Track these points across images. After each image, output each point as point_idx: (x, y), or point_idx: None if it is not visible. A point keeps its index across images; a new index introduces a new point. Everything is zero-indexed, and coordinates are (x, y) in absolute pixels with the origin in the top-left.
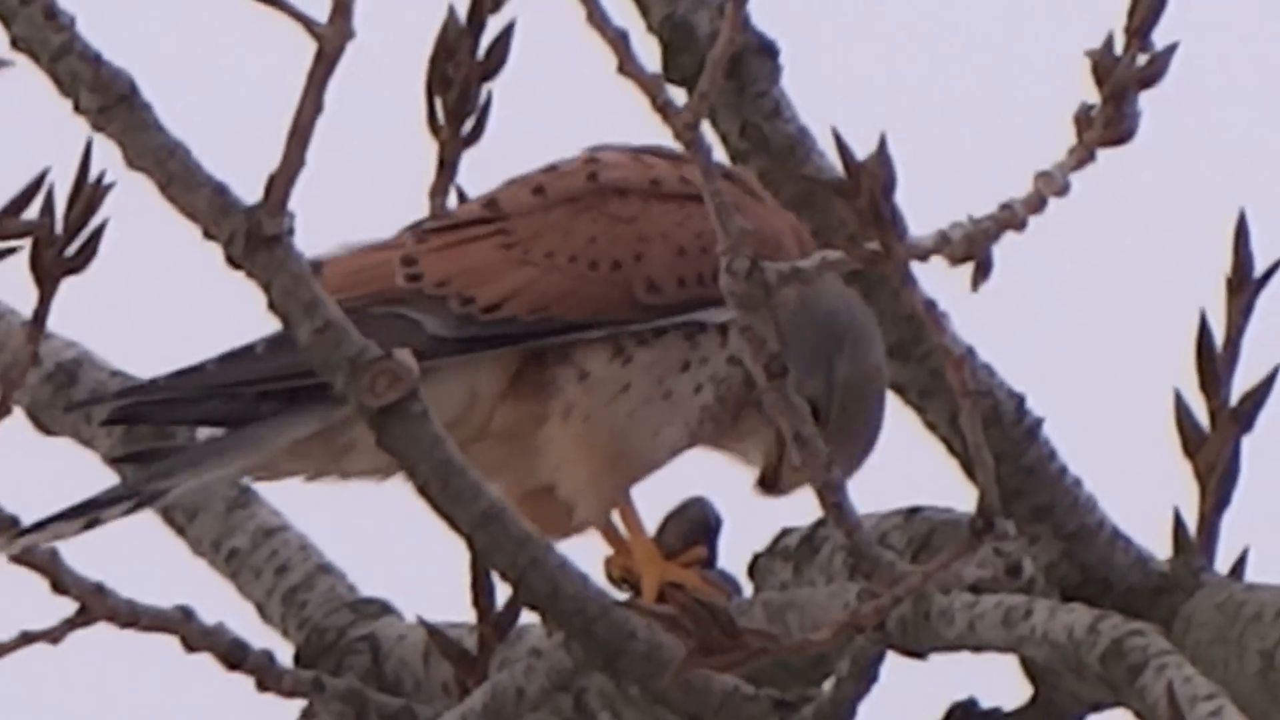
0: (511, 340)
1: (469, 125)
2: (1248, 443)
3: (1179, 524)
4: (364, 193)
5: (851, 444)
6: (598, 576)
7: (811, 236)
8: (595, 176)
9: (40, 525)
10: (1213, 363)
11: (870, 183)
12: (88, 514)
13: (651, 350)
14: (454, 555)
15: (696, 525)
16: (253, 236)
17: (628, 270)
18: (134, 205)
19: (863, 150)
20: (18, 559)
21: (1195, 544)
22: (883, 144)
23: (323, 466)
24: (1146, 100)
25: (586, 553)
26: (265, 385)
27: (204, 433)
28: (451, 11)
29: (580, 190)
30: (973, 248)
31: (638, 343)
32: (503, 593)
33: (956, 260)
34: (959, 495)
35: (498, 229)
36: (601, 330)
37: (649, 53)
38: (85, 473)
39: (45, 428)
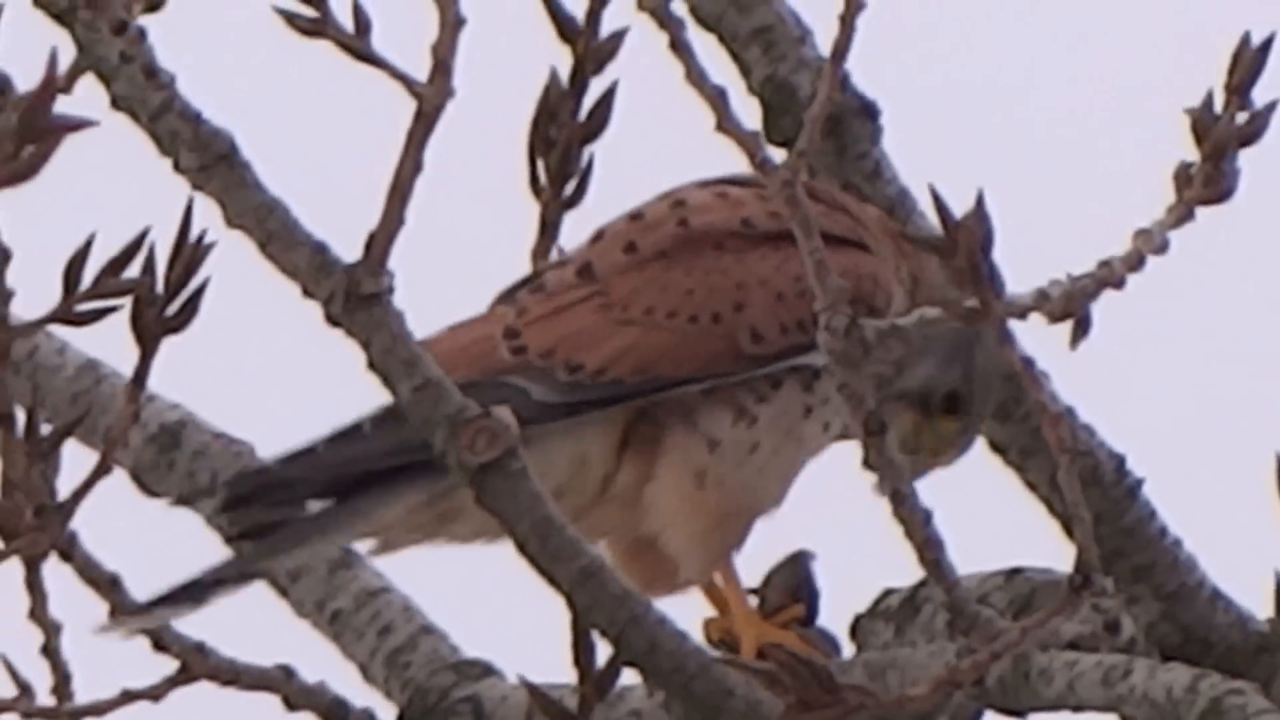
0: (618, 400)
1: (571, 187)
2: None
3: None
4: (465, 253)
5: (977, 430)
6: (696, 634)
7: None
8: (685, 223)
9: (147, 608)
10: None
11: (968, 240)
12: (195, 596)
13: (773, 405)
14: (555, 615)
15: (798, 581)
16: (352, 295)
17: (729, 322)
18: (234, 264)
19: (961, 209)
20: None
21: None
22: (980, 201)
23: (428, 534)
24: (1246, 159)
25: (684, 612)
26: (375, 463)
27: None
28: (554, 73)
29: (671, 241)
30: (1071, 305)
31: (757, 400)
32: (604, 652)
33: (1055, 318)
34: (1060, 556)
35: (594, 291)
36: (707, 384)
37: (750, 114)
38: (188, 534)
39: (148, 489)
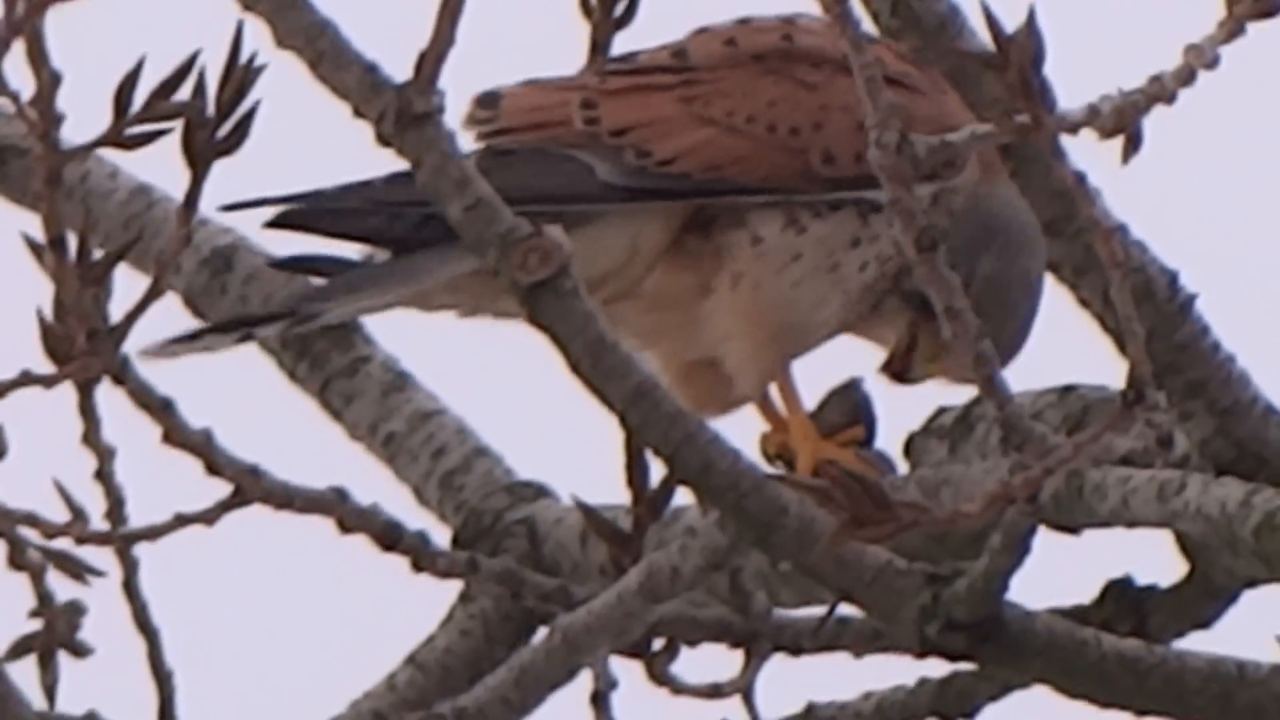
0: (680, 195)
1: (621, 6)
2: None
3: None
4: (516, 75)
5: (981, 334)
6: (751, 453)
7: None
8: (789, 38)
9: (194, 336)
10: None
11: (1019, 55)
12: (242, 329)
13: (826, 223)
14: (609, 437)
15: (855, 405)
16: (403, 114)
17: (805, 138)
18: (285, 87)
19: (1012, 24)
20: (171, 441)
21: None
22: (1031, 16)
23: (477, 304)
24: None
25: (741, 431)
26: (431, 208)
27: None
28: None
29: (771, 49)
30: (1122, 121)
31: (813, 214)
32: (657, 473)
33: (1106, 134)
34: (1113, 373)
35: (682, 79)
36: (772, 196)
37: None
38: (239, 359)
39: (201, 313)
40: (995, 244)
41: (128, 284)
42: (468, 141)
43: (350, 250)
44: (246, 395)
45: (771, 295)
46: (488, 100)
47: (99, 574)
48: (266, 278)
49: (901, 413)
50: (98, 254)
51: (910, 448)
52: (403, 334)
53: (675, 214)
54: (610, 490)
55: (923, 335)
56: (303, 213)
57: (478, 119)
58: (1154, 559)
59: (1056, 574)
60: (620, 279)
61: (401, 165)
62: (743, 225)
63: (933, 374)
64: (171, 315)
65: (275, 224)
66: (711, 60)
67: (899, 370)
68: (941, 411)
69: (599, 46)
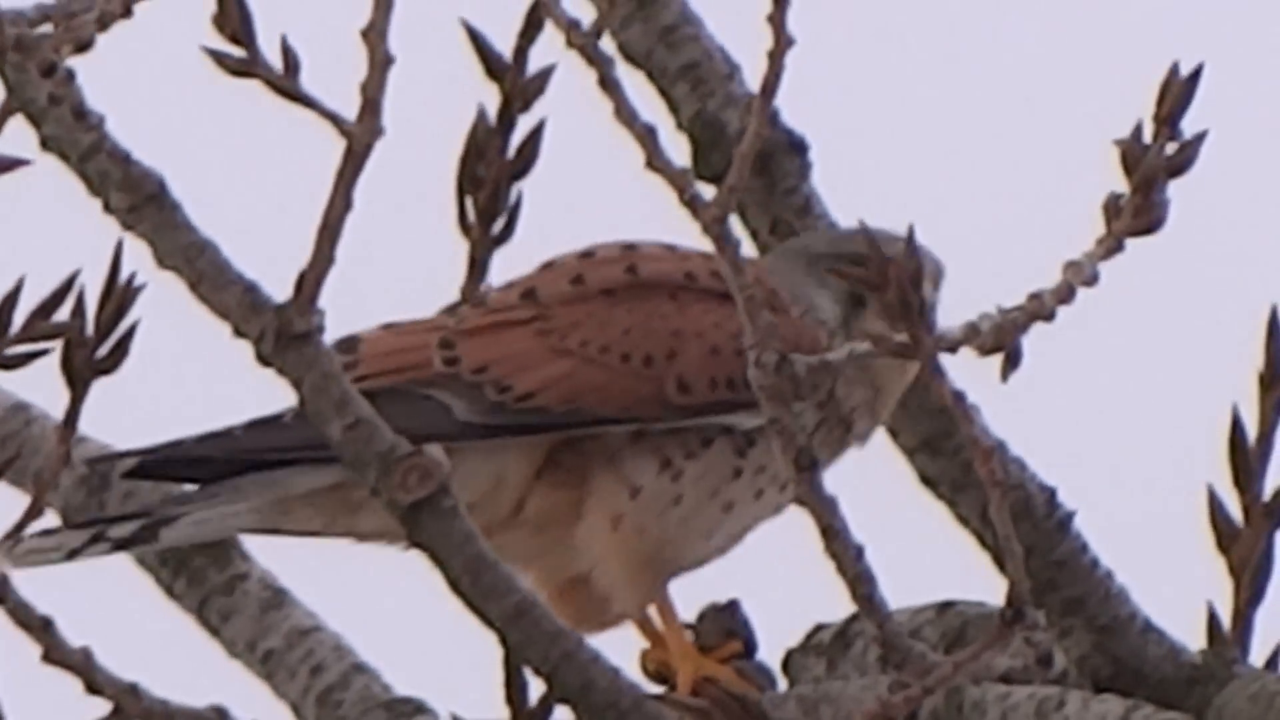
0: (539, 429)
1: (500, 224)
2: None
3: (1213, 618)
4: (394, 290)
5: None
6: (631, 670)
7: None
8: (634, 269)
9: (47, 534)
10: (1246, 458)
11: (899, 275)
12: (96, 527)
13: (700, 462)
14: (488, 652)
15: (733, 620)
16: (283, 334)
17: (659, 367)
18: (165, 305)
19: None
20: (51, 659)
21: (1230, 638)
22: (910, 236)
23: (334, 520)
24: (1176, 189)
25: (620, 646)
26: (293, 454)
27: None
28: (481, 111)
29: (618, 282)
30: (1002, 338)
31: (685, 455)
32: (536, 689)
33: (986, 351)
34: (992, 590)
35: (536, 315)
36: (630, 426)
37: (679, 150)
38: (118, 573)
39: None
40: None
41: (5, 501)
42: None
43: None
44: (124, 612)
45: (656, 536)
46: (347, 345)
47: None
48: (144, 493)
49: (779, 629)
50: None
51: (789, 664)
52: (280, 551)
53: (537, 445)
54: (489, 707)
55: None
56: (162, 463)
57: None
58: None
59: None
60: (489, 509)
61: (261, 412)
62: (619, 476)
63: None
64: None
65: (134, 474)
66: (561, 298)
67: None
68: (820, 628)
69: (477, 263)
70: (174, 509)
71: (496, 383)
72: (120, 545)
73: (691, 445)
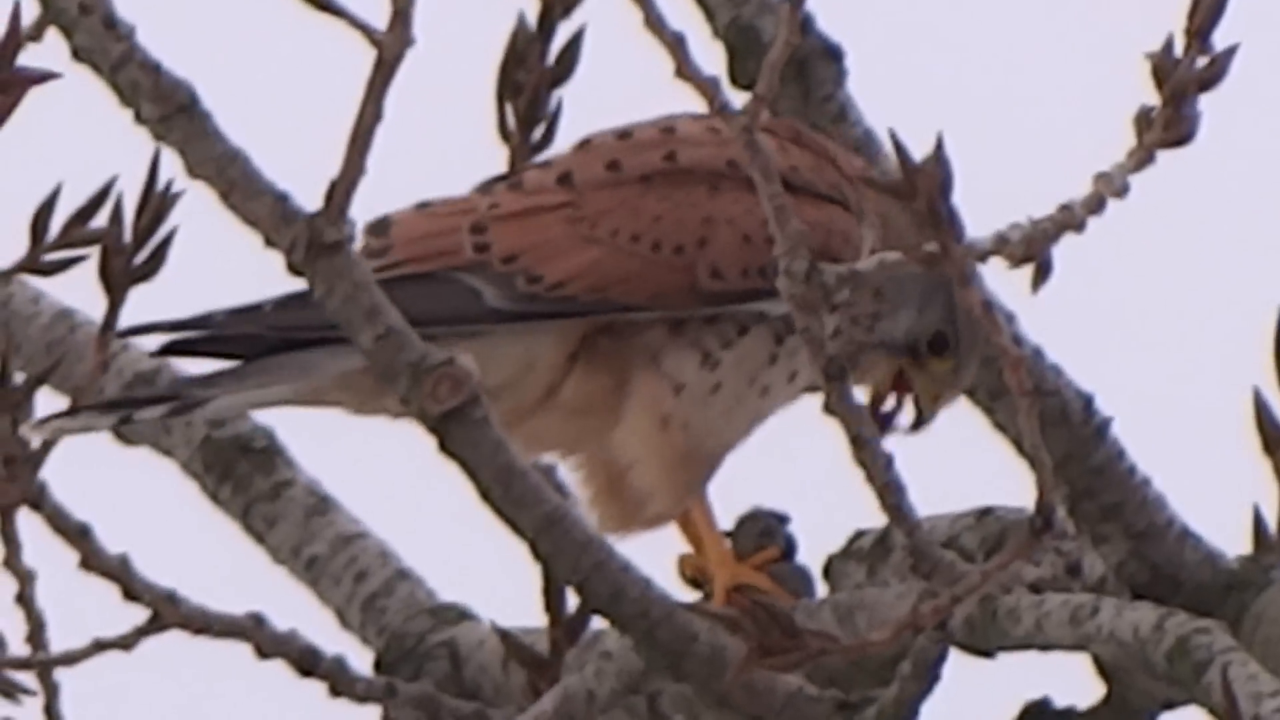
0: (569, 315)
1: (539, 132)
2: None
3: (1259, 521)
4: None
5: (972, 365)
6: (662, 579)
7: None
8: (673, 156)
9: (73, 412)
10: None
11: (927, 184)
12: (124, 409)
13: (736, 350)
14: (529, 561)
15: (769, 526)
16: (314, 244)
17: (690, 255)
18: (202, 213)
19: (923, 152)
20: (88, 566)
21: (1276, 541)
22: (939, 145)
23: (367, 402)
24: (1206, 102)
25: (655, 553)
26: (319, 332)
27: None
28: (521, 18)
29: (654, 169)
30: (1032, 249)
31: (722, 345)
32: (575, 599)
33: (1016, 261)
34: (1031, 495)
35: (568, 201)
36: (661, 314)
37: (715, 58)
38: (163, 479)
39: (124, 438)
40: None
41: (53, 408)
42: None
43: None
44: (170, 519)
45: (701, 430)
46: (379, 227)
47: (30, 693)
48: (175, 378)
49: (822, 535)
50: (19, 379)
51: (829, 570)
52: (326, 458)
53: (570, 329)
54: (531, 613)
55: (917, 378)
56: (194, 338)
57: (371, 249)
58: (1073, 681)
59: (976, 697)
60: (517, 392)
61: (293, 287)
62: (661, 374)
63: (940, 408)
64: (91, 442)
65: (166, 350)
66: (596, 183)
67: (885, 416)
68: (860, 534)
69: (518, 170)
70: (202, 391)
71: (527, 272)
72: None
73: (729, 334)
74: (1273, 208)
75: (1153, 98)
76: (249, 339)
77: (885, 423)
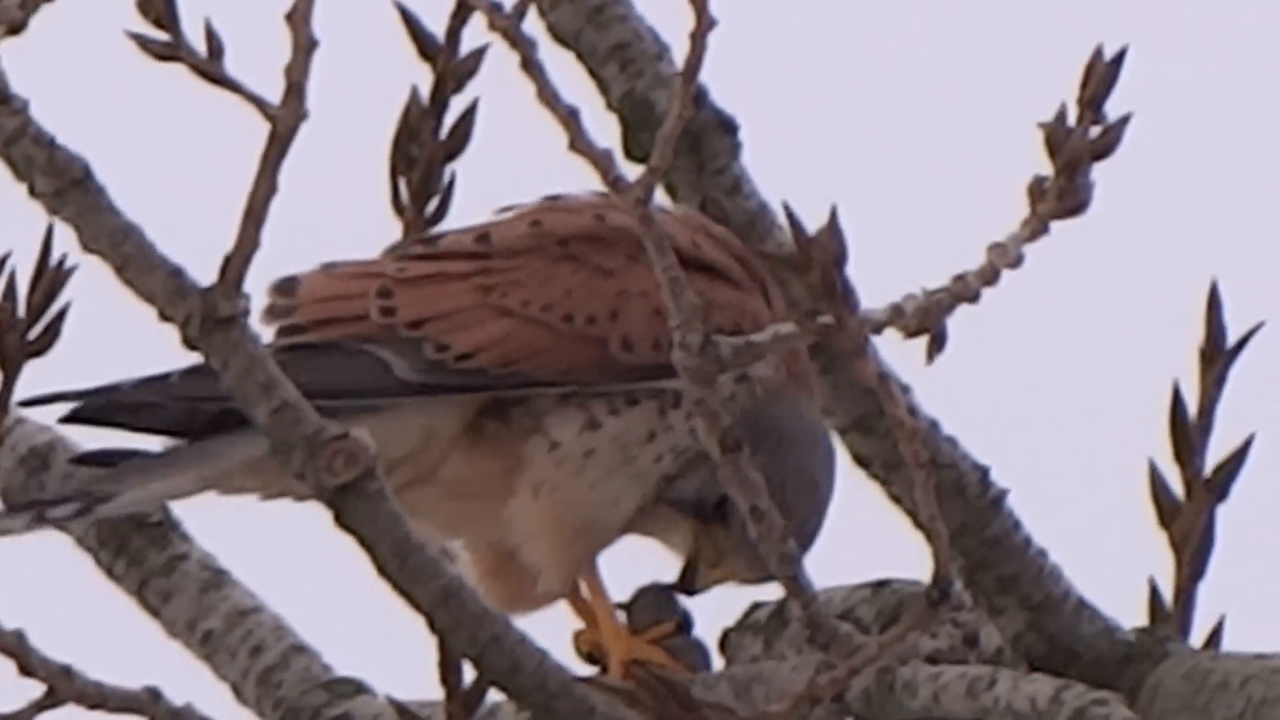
0: (477, 389)
1: (433, 205)
2: (1223, 512)
3: (1155, 594)
4: None
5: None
6: (560, 652)
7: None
8: (601, 218)
9: None
10: (1187, 433)
11: (822, 256)
12: (34, 510)
13: (622, 419)
14: (424, 633)
15: (666, 600)
16: (208, 318)
17: (602, 326)
18: (97, 286)
19: (817, 224)
20: None
21: (1172, 614)
22: (834, 217)
23: (272, 485)
24: (1100, 172)
25: (555, 628)
26: (229, 403)
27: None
28: (414, 91)
29: (578, 230)
30: (927, 320)
31: (609, 411)
32: (471, 671)
33: (911, 333)
34: (927, 568)
35: (480, 267)
36: (569, 388)
37: (609, 131)
38: (58, 554)
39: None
40: (766, 443)
41: None
42: (267, 334)
43: (151, 444)
44: (62, 594)
45: (569, 498)
46: (284, 286)
47: None
48: (83, 475)
49: (718, 608)
50: None
51: (725, 643)
52: (220, 532)
53: (471, 402)
54: (427, 687)
55: (703, 541)
56: (100, 407)
57: (276, 309)
58: None
59: None
60: (416, 464)
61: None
62: (539, 430)
63: (718, 580)
64: None
65: (72, 419)
66: (514, 245)
67: (688, 583)
68: (756, 607)
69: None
70: (110, 486)
71: (435, 340)
72: (60, 522)
73: (617, 404)
74: (1169, 277)
75: (1046, 167)
76: (153, 409)
77: (687, 590)
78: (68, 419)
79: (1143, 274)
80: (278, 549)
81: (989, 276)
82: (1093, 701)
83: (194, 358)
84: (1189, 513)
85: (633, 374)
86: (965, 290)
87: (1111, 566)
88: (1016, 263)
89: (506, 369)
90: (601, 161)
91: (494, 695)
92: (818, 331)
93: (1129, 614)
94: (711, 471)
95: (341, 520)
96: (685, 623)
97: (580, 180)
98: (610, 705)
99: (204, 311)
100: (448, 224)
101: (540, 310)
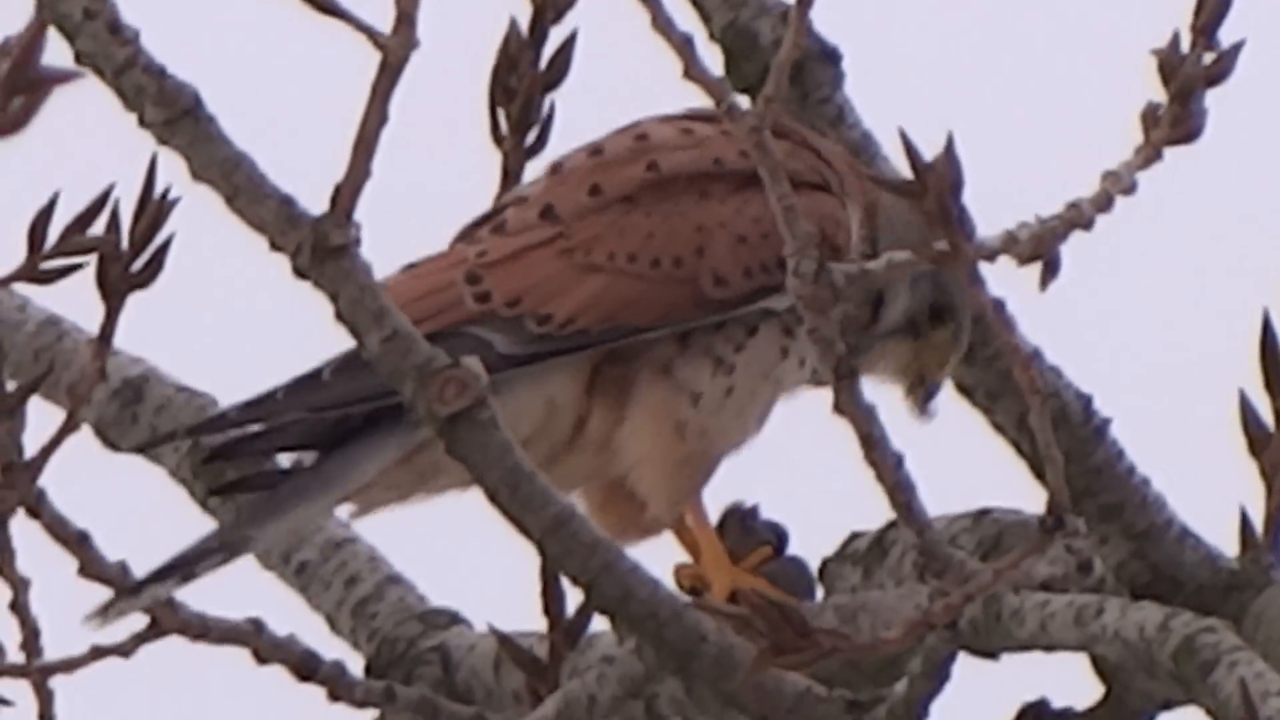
0: (580, 349)
1: (532, 135)
2: None
3: (1245, 523)
4: (428, 203)
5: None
6: (668, 581)
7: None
8: (655, 166)
9: (137, 589)
10: (1276, 363)
11: (938, 183)
12: (182, 571)
13: (749, 351)
14: (520, 564)
15: (754, 522)
16: (319, 247)
17: (690, 265)
18: (200, 219)
19: (929, 153)
20: (87, 573)
21: (1262, 543)
22: (950, 144)
23: (407, 491)
24: (1213, 98)
25: (657, 560)
26: (335, 410)
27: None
28: (513, 23)
29: (636, 184)
30: (1040, 247)
31: (735, 349)
32: (573, 600)
33: (1024, 260)
34: (1027, 497)
35: (557, 234)
36: (672, 329)
37: (713, 61)
38: (152, 488)
39: (112, 444)
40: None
41: (36, 415)
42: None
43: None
44: (159, 526)
45: (716, 434)
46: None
47: (8, 704)
48: (176, 407)
49: (814, 538)
50: (10, 386)
51: (824, 573)
52: None
53: (584, 362)
54: (523, 617)
55: (926, 354)
56: (224, 447)
57: None
58: (1071, 682)
59: (974, 698)
60: (547, 435)
61: (299, 371)
62: (674, 383)
63: (947, 375)
64: (83, 446)
65: (207, 460)
66: (580, 212)
67: (927, 391)
68: (855, 536)
69: (510, 174)
70: (250, 530)
71: (534, 313)
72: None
73: (738, 338)
74: (1267, 206)
75: (1160, 95)
76: (272, 434)
77: (925, 404)
78: (204, 460)
79: (1239, 201)
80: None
81: (1103, 204)
82: (1202, 629)
83: (305, 287)
84: (1279, 442)
85: (730, 305)
86: (1079, 217)
87: (1203, 497)
88: (1130, 189)
89: (607, 324)
90: (716, 89)
91: (592, 626)
92: (933, 258)
93: (1221, 544)
94: (909, 290)
95: (452, 449)
96: (781, 541)
97: (679, 107)
98: (721, 633)
99: (315, 241)
100: (546, 155)
101: (627, 261)
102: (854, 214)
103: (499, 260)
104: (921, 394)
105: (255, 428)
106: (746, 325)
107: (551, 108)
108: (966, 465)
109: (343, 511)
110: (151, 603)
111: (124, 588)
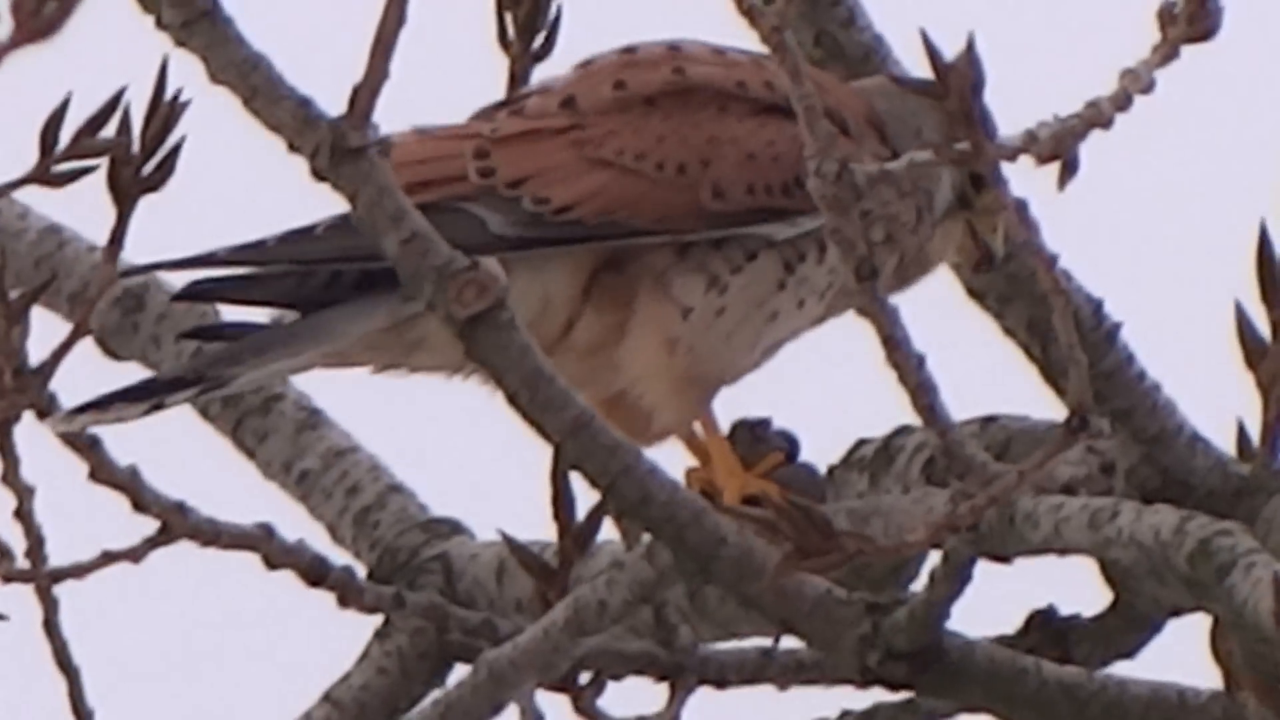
0: (572, 242)
1: (539, 40)
2: None
3: (1243, 434)
4: (436, 107)
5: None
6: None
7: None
8: (681, 71)
9: (103, 403)
10: (1274, 274)
11: (959, 83)
12: (152, 397)
13: (745, 275)
14: (521, 476)
15: (764, 432)
16: (338, 149)
17: (693, 174)
18: (209, 123)
19: (948, 55)
20: (98, 478)
21: (1259, 453)
22: (971, 44)
23: (391, 360)
24: None
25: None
26: (323, 265)
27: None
28: None
29: (662, 85)
30: (1060, 146)
31: (731, 270)
32: (582, 505)
33: (1044, 159)
34: (1036, 403)
35: (572, 124)
36: (665, 237)
37: None
38: None
39: (113, 352)
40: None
41: (37, 323)
42: None
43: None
44: (158, 435)
45: (705, 353)
46: (380, 149)
47: (4, 618)
48: (178, 316)
49: (820, 445)
50: (13, 293)
51: (831, 480)
52: (315, 372)
53: (581, 261)
54: (523, 527)
55: (979, 220)
56: (208, 285)
57: None
58: (1078, 588)
59: (979, 603)
60: (540, 331)
61: (293, 223)
62: (668, 298)
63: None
64: (85, 354)
65: (182, 297)
66: (601, 107)
67: (991, 257)
68: (862, 443)
69: (517, 79)
70: (227, 369)
71: (533, 195)
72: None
73: (737, 259)
74: (1267, 114)
75: None
76: (260, 281)
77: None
78: (177, 297)
79: (1238, 110)
80: (372, 388)
81: (1122, 102)
82: (1217, 532)
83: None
84: (1276, 354)
85: (728, 220)
86: (1098, 116)
87: (1200, 407)
88: (1149, 88)
89: (603, 219)
90: None
91: (606, 532)
92: (954, 158)
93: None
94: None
95: (472, 352)
96: (793, 448)
97: (690, 17)
98: (742, 535)
99: (333, 142)
100: (553, 60)
101: (634, 159)
102: (867, 149)
103: (510, 138)
104: (987, 267)
105: (241, 271)
106: (746, 249)
107: (559, 11)
108: (974, 370)
109: (324, 364)
110: (115, 420)
111: (93, 402)
